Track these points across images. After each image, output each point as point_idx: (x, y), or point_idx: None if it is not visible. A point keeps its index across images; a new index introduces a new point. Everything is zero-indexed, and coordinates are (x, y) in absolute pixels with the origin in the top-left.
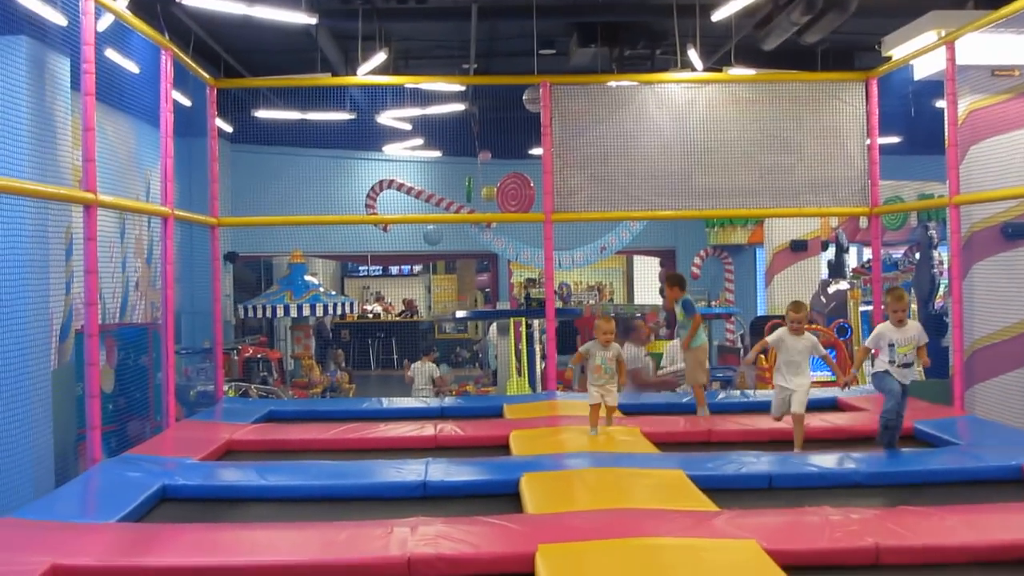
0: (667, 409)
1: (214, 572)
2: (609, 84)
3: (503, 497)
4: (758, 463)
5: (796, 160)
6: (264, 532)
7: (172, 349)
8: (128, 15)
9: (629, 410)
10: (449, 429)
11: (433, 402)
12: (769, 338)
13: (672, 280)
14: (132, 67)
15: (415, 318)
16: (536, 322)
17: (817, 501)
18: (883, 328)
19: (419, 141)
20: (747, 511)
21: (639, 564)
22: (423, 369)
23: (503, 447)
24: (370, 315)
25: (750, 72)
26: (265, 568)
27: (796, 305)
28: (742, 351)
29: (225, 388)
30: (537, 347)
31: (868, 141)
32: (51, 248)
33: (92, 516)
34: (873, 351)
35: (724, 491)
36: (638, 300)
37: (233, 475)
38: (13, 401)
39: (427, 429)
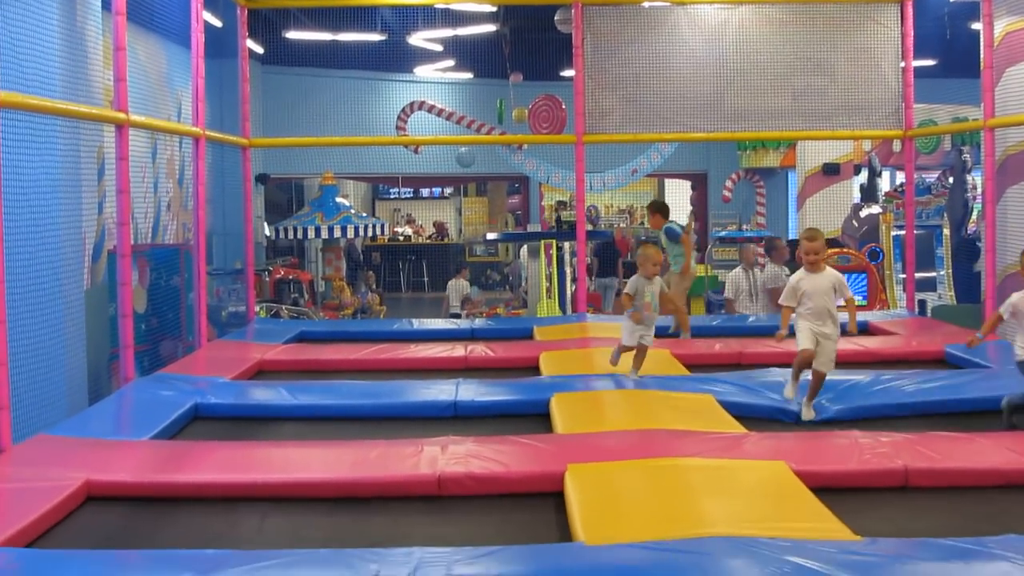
0: (697, 331)
1: (247, 488)
2: (642, 5)
3: (533, 417)
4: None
5: (829, 82)
6: (295, 450)
7: (204, 269)
8: None
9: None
10: (479, 350)
11: (463, 323)
12: (784, 290)
13: (654, 207)
14: None
15: (445, 240)
16: (567, 244)
17: (846, 426)
18: None
19: (450, 63)
20: (777, 434)
21: (668, 483)
22: (456, 286)
23: (533, 368)
24: (400, 237)
25: None
26: (297, 484)
27: (810, 233)
28: None
29: (256, 309)
30: (568, 269)
31: (903, 64)
32: (83, 168)
33: (125, 433)
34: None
35: (753, 419)
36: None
37: (264, 394)
38: (47, 320)
39: (457, 350)
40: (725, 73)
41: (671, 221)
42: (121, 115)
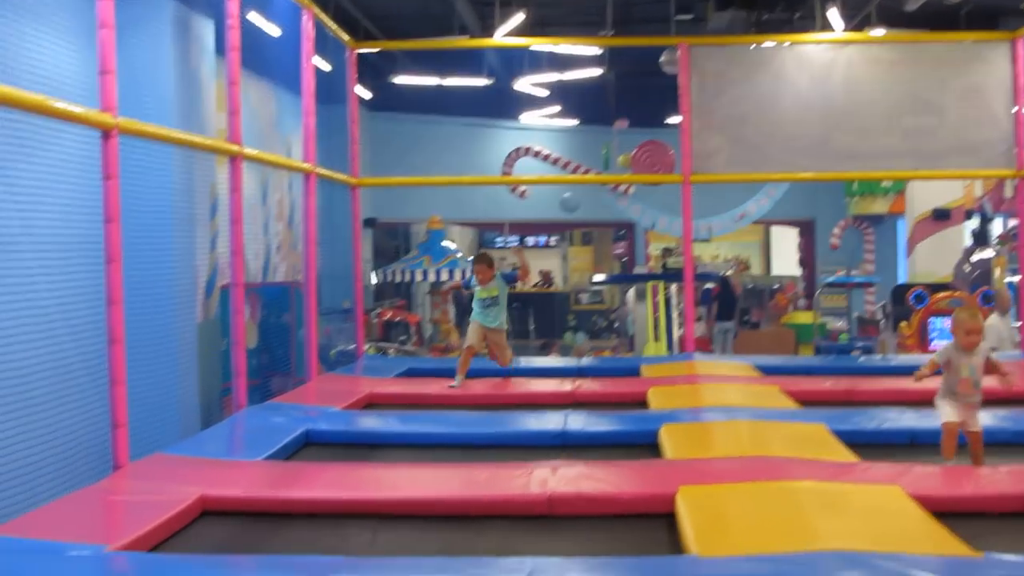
0: (807, 370)
1: (358, 505)
2: (748, 46)
3: (642, 447)
4: (900, 419)
5: (938, 122)
6: (406, 471)
7: (315, 304)
8: None
9: (767, 371)
10: (587, 386)
11: (571, 361)
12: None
13: (481, 259)
14: (273, 30)
15: (551, 288)
16: (674, 287)
17: (961, 460)
18: None
19: (556, 108)
20: (891, 463)
21: (781, 506)
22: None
23: (641, 403)
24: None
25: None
26: (407, 502)
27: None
28: (882, 321)
29: (365, 347)
30: (675, 313)
31: (1016, 108)
32: (196, 204)
33: (238, 455)
34: None
35: (866, 446)
36: (776, 271)
37: (375, 422)
38: (161, 351)
39: (565, 385)
40: (833, 113)
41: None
42: (234, 147)
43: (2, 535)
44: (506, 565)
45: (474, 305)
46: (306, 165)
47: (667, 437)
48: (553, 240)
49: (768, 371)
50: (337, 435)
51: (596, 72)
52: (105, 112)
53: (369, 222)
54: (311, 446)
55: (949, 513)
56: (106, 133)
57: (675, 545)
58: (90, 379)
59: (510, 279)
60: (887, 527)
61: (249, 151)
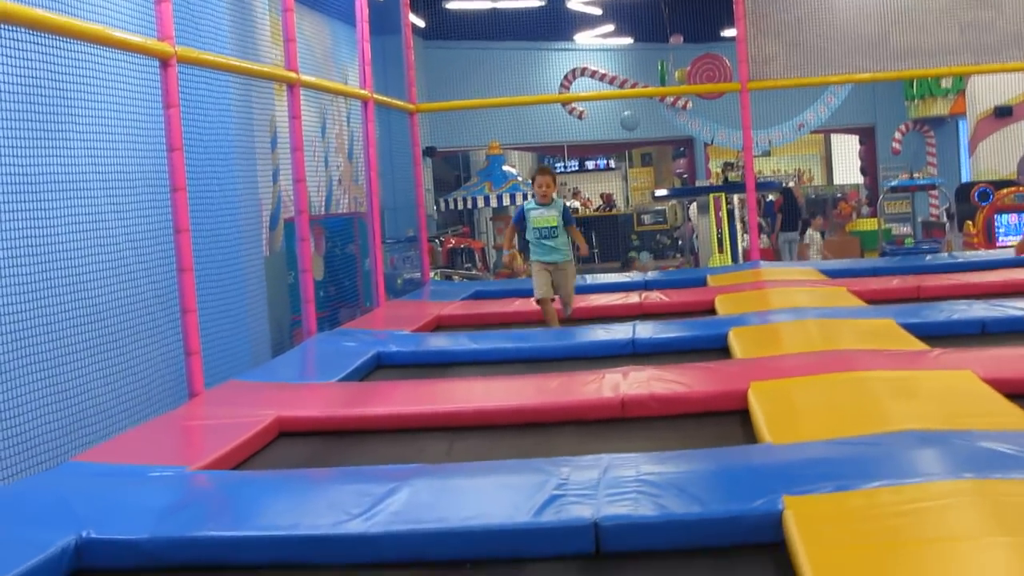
0: (873, 271)
1: (433, 418)
2: None
3: (711, 351)
4: (970, 310)
5: (996, 14)
6: (479, 383)
7: (379, 232)
8: None
9: (833, 275)
10: (654, 297)
11: (636, 275)
12: None
13: (544, 171)
14: None
15: (613, 211)
16: (736, 198)
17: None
18: None
19: (609, 28)
20: (961, 349)
21: (853, 394)
22: None
23: (709, 312)
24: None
25: None
26: (482, 412)
27: None
28: (947, 224)
29: (431, 274)
30: (738, 224)
31: None
32: (256, 138)
33: (311, 378)
34: None
35: (936, 337)
36: (838, 180)
37: (445, 342)
38: (230, 284)
39: (632, 298)
40: (890, 11)
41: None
42: (292, 74)
43: (86, 461)
44: (582, 462)
45: (530, 240)
46: (363, 91)
47: (736, 339)
48: (613, 162)
49: (834, 274)
50: (408, 356)
51: None
52: (163, 41)
53: (428, 151)
54: (383, 368)
55: (1022, 395)
56: (164, 62)
57: (749, 439)
58: (164, 311)
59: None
60: (960, 408)
61: (307, 78)
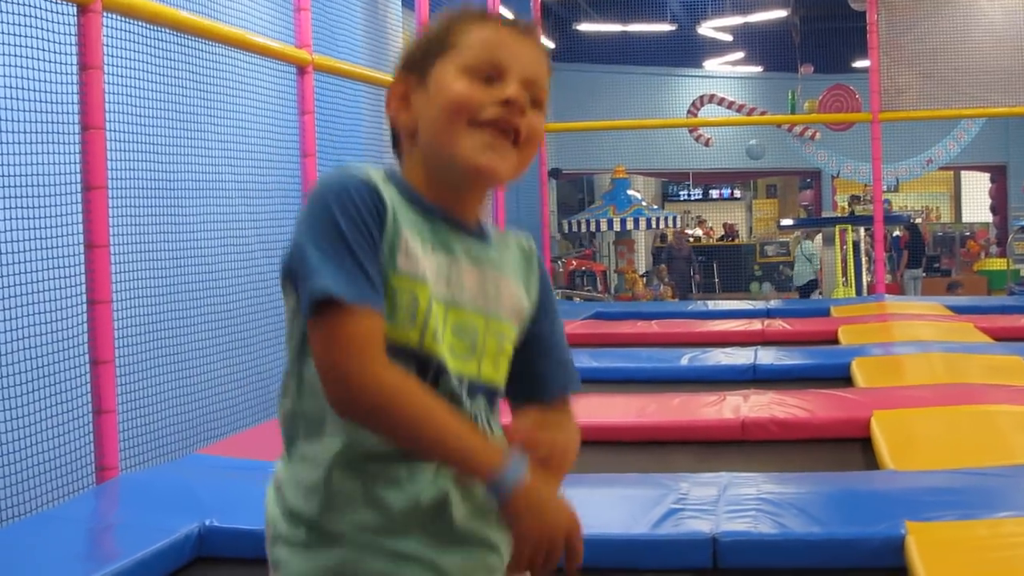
0: (1001, 309)
1: None
2: None
3: (833, 380)
4: None
5: None
6: (599, 400)
7: None
8: None
9: (959, 311)
10: (777, 325)
11: (759, 303)
12: None
13: None
14: None
15: (735, 241)
16: (862, 231)
17: None
18: None
19: (739, 55)
20: None
21: (979, 427)
22: None
23: (832, 342)
24: (691, 239)
25: None
26: (603, 427)
27: None
28: None
29: None
30: (864, 258)
31: None
32: (385, 146)
33: None
34: None
35: None
36: (966, 218)
37: None
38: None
39: (754, 325)
40: None
41: None
42: None
43: (211, 454)
44: (702, 479)
45: None
46: None
47: (859, 369)
48: (738, 192)
49: (960, 311)
50: None
51: (780, 14)
52: (301, 48)
53: (553, 172)
54: None
55: None
56: (301, 69)
57: (871, 465)
58: None
59: None
60: None
61: None
